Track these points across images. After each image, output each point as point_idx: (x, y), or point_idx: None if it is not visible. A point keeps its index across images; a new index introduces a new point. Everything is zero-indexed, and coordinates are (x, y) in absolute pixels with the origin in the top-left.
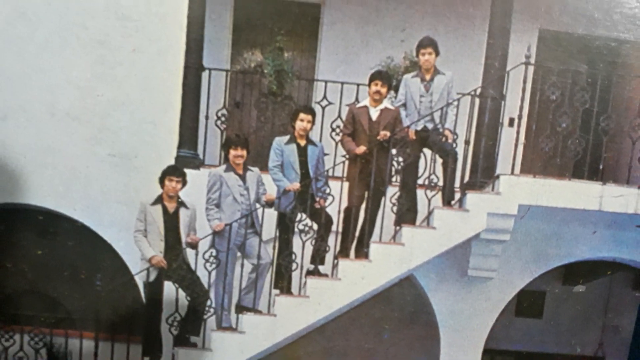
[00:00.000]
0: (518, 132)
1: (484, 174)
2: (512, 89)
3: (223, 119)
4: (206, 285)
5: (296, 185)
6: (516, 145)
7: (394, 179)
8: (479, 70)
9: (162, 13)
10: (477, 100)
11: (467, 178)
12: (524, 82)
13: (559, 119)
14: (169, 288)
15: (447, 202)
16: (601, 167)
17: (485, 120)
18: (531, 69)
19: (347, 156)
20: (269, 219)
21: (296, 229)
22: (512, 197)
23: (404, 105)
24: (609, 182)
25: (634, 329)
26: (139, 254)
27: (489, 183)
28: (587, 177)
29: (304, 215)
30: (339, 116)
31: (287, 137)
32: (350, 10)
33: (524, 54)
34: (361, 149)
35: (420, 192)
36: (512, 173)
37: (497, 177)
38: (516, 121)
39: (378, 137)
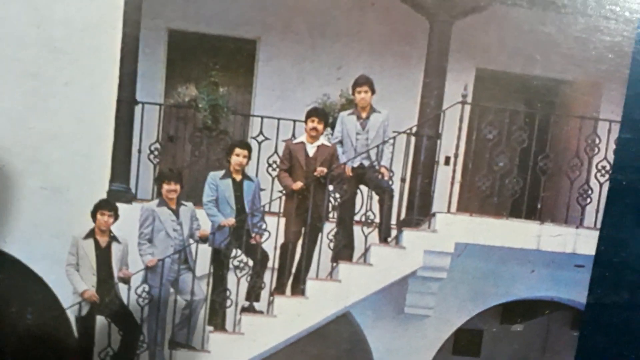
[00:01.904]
0: (454, 171)
1: (420, 212)
2: (448, 128)
3: (156, 152)
4: (139, 321)
5: (231, 220)
6: (452, 184)
7: (330, 215)
8: (415, 108)
9: (95, 46)
10: (413, 139)
11: (403, 215)
12: (460, 121)
13: (496, 157)
14: (101, 323)
15: (383, 239)
16: (539, 206)
17: (421, 158)
18: (468, 108)
19: (283, 192)
20: (203, 255)
21: (231, 265)
22: (448, 235)
23: (341, 142)
24: (547, 222)
25: None
26: (71, 287)
27: (426, 221)
28: (525, 216)
29: (239, 251)
30: (276, 152)
31: (222, 172)
32: (286, 47)
33: (460, 93)
34: (298, 185)
35: (357, 229)
36: (449, 211)
37: (434, 214)
38: (452, 160)
39: (315, 173)
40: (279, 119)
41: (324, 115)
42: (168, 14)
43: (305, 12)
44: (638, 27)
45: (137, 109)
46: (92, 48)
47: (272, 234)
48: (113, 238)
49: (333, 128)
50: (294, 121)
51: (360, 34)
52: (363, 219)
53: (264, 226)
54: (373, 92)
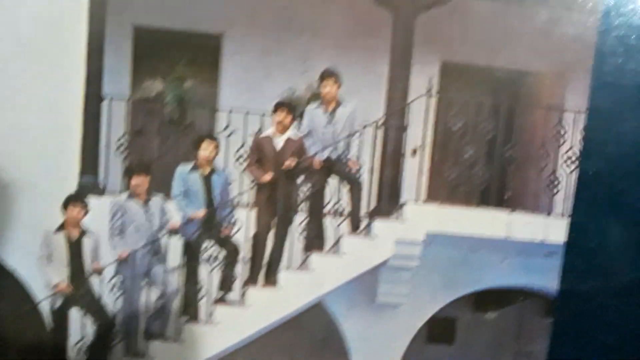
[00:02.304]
0: (421, 161)
1: (389, 202)
2: (415, 120)
3: (124, 146)
4: (113, 312)
5: (200, 213)
6: (420, 174)
7: (301, 206)
8: (381, 100)
9: (62, 43)
10: (380, 131)
11: (373, 206)
12: (426, 113)
13: (463, 148)
14: (75, 315)
15: (354, 229)
16: (507, 195)
17: (389, 149)
18: (433, 100)
19: (254, 183)
20: (175, 247)
21: (203, 257)
22: (418, 225)
23: (309, 134)
24: (516, 210)
25: (546, 356)
26: (43, 281)
27: (395, 210)
28: (495, 205)
29: (211, 243)
30: (244, 145)
31: (191, 165)
32: (251, 41)
33: (425, 86)
34: (267, 177)
35: (328, 220)
36: (418, 201)
37: (403, 204)
38: (419, 150)
39: (283, 167)
40: (246, 113)
41: (291, 108)
42: (133, 10)
43: (269, 6)
44: (601, 18)
45: (105, 103)
46: (59, 44)
47: (244, 225)
48: (84, 231)
49: (301, 121)
50: (262, 115)
51: (325, 28)
52: (333, 209)
53: (234, 219)
54: (339, 85)
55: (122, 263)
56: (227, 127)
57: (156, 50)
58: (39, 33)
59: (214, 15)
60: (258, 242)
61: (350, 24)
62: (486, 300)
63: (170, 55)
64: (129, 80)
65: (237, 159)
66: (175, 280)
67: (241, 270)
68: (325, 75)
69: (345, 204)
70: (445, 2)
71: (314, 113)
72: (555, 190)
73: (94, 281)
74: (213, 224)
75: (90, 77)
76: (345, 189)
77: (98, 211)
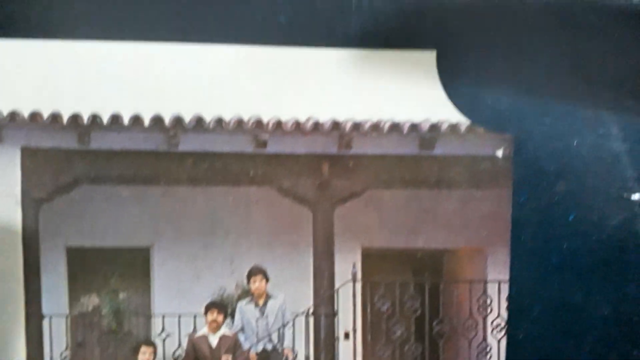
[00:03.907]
0: (355, 344)
1: None
2: (344, 305)
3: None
4: None
5: None
6: (354, 356)
7: None
8: (309, 290)
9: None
10: (311, 319)
11: None
12: (354, 297)
13: (392, 327)
14: None
15: None
16: None
17: (321, 336)
18: (358, 284)
19: None
20: None
21: None
22: None
23: (242, 329)
24: None
25: None
26: None
27: None
28: None
29: None
30: (180, 346)
31: None
32: (179, 250)
33: (350, 271)
34: None
35: None
36: None
37: None
38: (351, 334)
39: None
40: (179, 316)
41: (222, 307)
42: (65, 232)
43: (193, 216)
44: (514, 194)
45: (45, 321)
46: None
47: None
48: None
49: (233, 318)
50: (194, 316)
51: (249, 229)
52: None
53: None
54: (267, 280)
55: None
56: (162, 331)
57: (90, 268)
58: None
59: (143, 231)
60: None
61: (273, 223)
62: None
63: (103, 270)
64: (66, 298)
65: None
66: None
67: None
68: (253, 272)
69: None
70: (359, 194)
71: (245, 309)
72: (487, 358)
73: None
74: None
75: (29, 299)
76: None
77: None
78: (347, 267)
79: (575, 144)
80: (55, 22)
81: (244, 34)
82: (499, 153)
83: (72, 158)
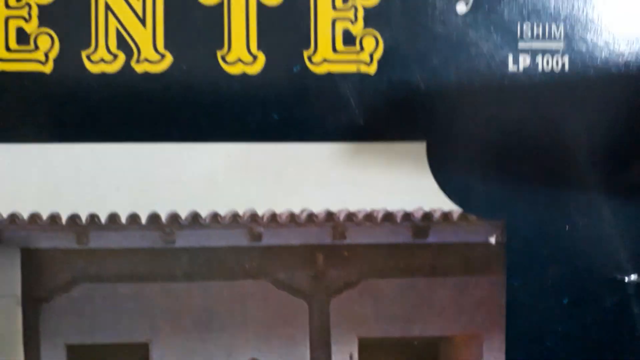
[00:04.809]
0: None
1: None
2: None
3: None
4: None
5: None
6: None
7: None
8: None
9: None
10: None
11: None
12: None
13: None
14: None
15: None
16: None
17: None
18: None
19: None
20: None
21: None
22: None
23: None
24: None
25: None
26: None
27: None
28: None
29: None
30: None
31: None
32: (177, 344)
33: None
34: None
35: None
36: None
37: None
38: None
39: None
40: None
41: None
42: (65, 330)
43: (190, 311)
44: (508, 279)
45: None
46: None
47: None
48: None
49: None
50: None
51: (245, 322)
52: None
53: None
54: None
55: None
56: None
57: None
58: None
59: (141, 326)
60: None
61: (269, 315)
62: None
63: None
64: None
65: None
66: None
67: None
68: None
69: None
70: (355, 284)
71: None
72: None
73: None
74: None
75: None
76: None
77: None
78: (344, 358)
79: (567, 228)
80: (53, 126)
81: (239, 132)
82: (492, 239)
83: (71, 257)
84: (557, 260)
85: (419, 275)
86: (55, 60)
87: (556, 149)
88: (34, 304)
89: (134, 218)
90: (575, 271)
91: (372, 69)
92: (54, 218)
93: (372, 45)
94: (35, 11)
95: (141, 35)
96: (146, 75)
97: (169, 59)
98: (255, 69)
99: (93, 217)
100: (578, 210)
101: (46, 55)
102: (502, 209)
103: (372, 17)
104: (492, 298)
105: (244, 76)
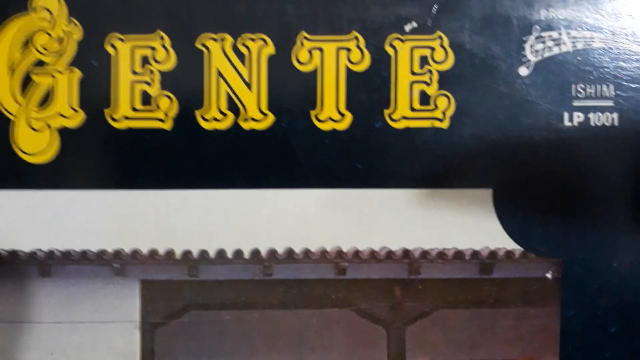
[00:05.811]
0: None
1: None
2: None
3: None
4: None
5: None
6: None
7: None
8: None
9: None
10: None
11: None
12: None
13: None
14: None
15: None
16: None
17: None
18: None
19: None
20: None
21: None
22: None
23: None
24: None
25: None
26: None
27: None
28: None
29: None
30: None
31: None
32: None
33: None
34: None
35: None
36: None
37: None
38: None
39: None
40: None
41: None
42: (176, 352)
43: (284, 336)
44: (562, 310)
45: None
46: None
47: None
48: None
49: None
50: None
51: (331, 346)
52: None
53: None
54: None
55: None
56: None
57: None
58: None
59: (241, 350)
60: None
61: (352, 341)
62: None
63: None
64: None
65: None
66: None
67: None
68: None
69: None
70: (427, 315)
71: None
72: None
73: None
74: None
75: None
76: None
77: None
78: None
79: (615, 264)
80: (170, 175)
81: (328, 179)
82: (549, 275)
83: (182, 288)
84: (606, 294)
85: (484, 306)
86: (174, 119)
87: (605, 194)
88: (150, 328)
89: (238, 253)
90: (622, 303)
91: (444, 125)
92: (169, 254)
93: (445, 104)
94: (157, 77)
95: (247, 98)
96: (251, 131)
97: (271, 117)
98: (343, 125)
99: (203, 253)
100: (625, 249)
101: (166, 114)
102: (558, 248)
103: (445, 80)
104: (548, 327)
105: (334, 132)
